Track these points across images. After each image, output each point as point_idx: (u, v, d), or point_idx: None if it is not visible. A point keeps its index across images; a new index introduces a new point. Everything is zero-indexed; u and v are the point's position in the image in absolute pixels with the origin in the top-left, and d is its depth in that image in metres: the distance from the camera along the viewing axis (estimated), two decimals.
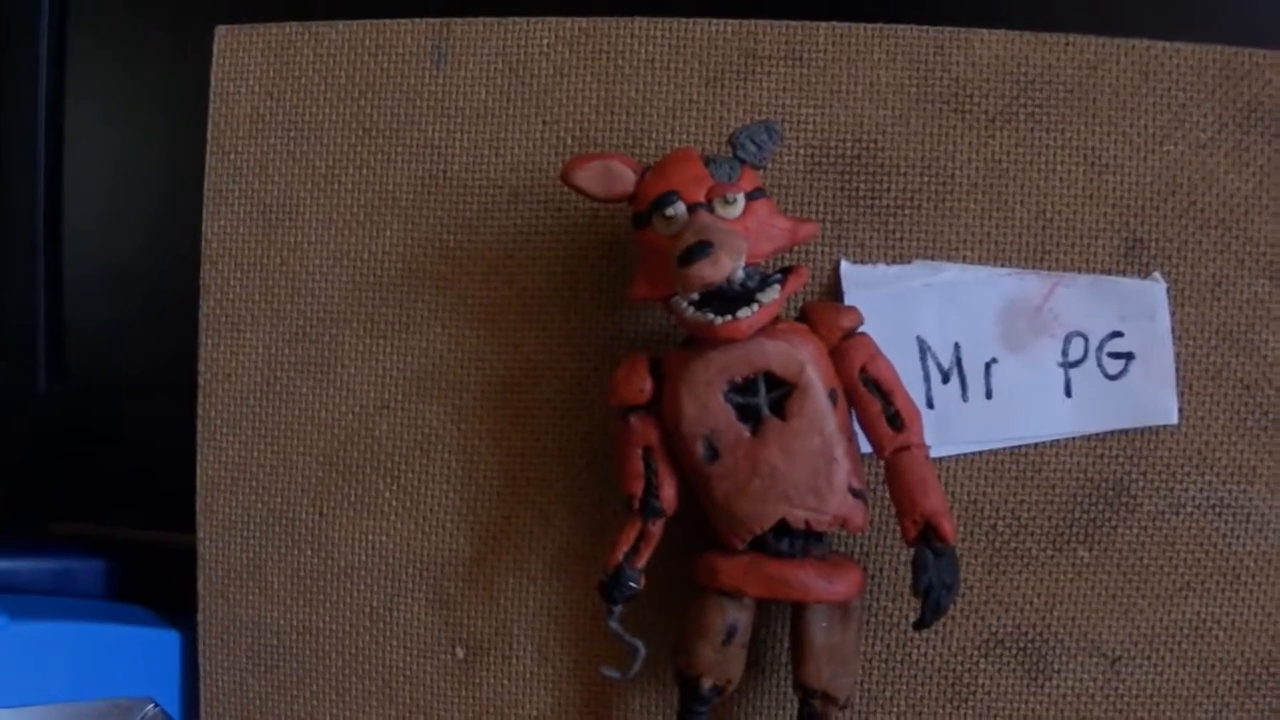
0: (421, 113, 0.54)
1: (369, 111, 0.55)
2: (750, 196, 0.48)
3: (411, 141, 0.54)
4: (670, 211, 0.47)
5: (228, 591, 0.56)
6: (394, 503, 0.55)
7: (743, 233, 0.47)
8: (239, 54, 0.55)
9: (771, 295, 0.47)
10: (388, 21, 0.55)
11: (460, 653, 0.55)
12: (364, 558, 0.55)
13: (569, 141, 0.54)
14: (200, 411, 0.55)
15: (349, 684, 0.55)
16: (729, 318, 0.47)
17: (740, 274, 0.47)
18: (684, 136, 0.53)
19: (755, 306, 0.47)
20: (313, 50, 0.55)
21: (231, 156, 0.55)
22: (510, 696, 0.55)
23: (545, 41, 0.54)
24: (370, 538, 0.55)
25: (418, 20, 0.54)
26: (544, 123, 0.54)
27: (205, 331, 0.55)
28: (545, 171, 0.53)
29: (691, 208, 0.47)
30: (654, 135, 0.53)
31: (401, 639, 0.55)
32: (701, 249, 0.45)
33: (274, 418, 0.55)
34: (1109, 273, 0.53)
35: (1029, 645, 0.54)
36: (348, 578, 0.55)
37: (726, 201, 0.47)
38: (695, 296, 0.47)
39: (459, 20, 0.54)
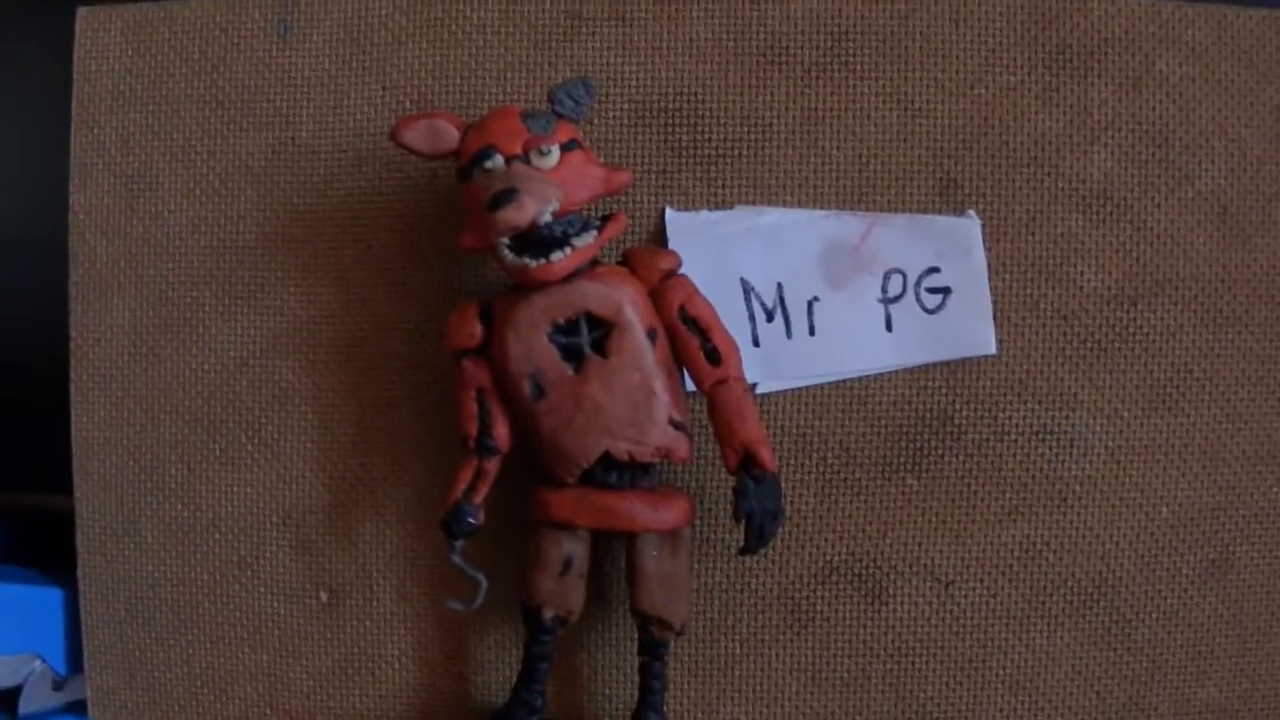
0: (270, 84, 0.57)
1: (221, 84, 0.57)
2: (565, 148, 0.50)
3: (261, 111, 0.57)
4: (489, 164, 0.50)
5: (105, 548, 0.58)
6: (256, 455, 0.57)
7: (558, 182, 0.49)
8: (100, 34, 0.58)
9: (586, 240, 0.50)
10: None
11: (324, 596, 0.57)
12: (230, 509, 0.58)
13: (408, 105, 0.56)
14: (73, 375, 0.58)
15: (222, 631, 0.58)
16: (543, 261, 0.49)
17: (548, 218, 0.49)
18: (515, 96, 0.56)
19: (568, 250, 0.49)
20: (168, 28, 0.58)
21: (95, 131, 0.58)
22: (373, 636, 0.57)
23: (384, 11, 0.57)
24: (235, 489, 0.58)
25: None
26: (384, 89, 0.56)
27: (75, 299, 0.58)
28: (386, 135, 0.55)
29: (509, 160, 0.50)
30: (486, 96, 0.56)
31: (269, 586, 0.58)
32: (507, 195, 0.48)
33: (141, 378, 0.58)
34: (925, 212, 0.55)
35: (864, 571, 0.56)
36: (216, 529, 0.58)
37: (541, 153, 0.50)
38: (510, 242, 0.49)
39: None
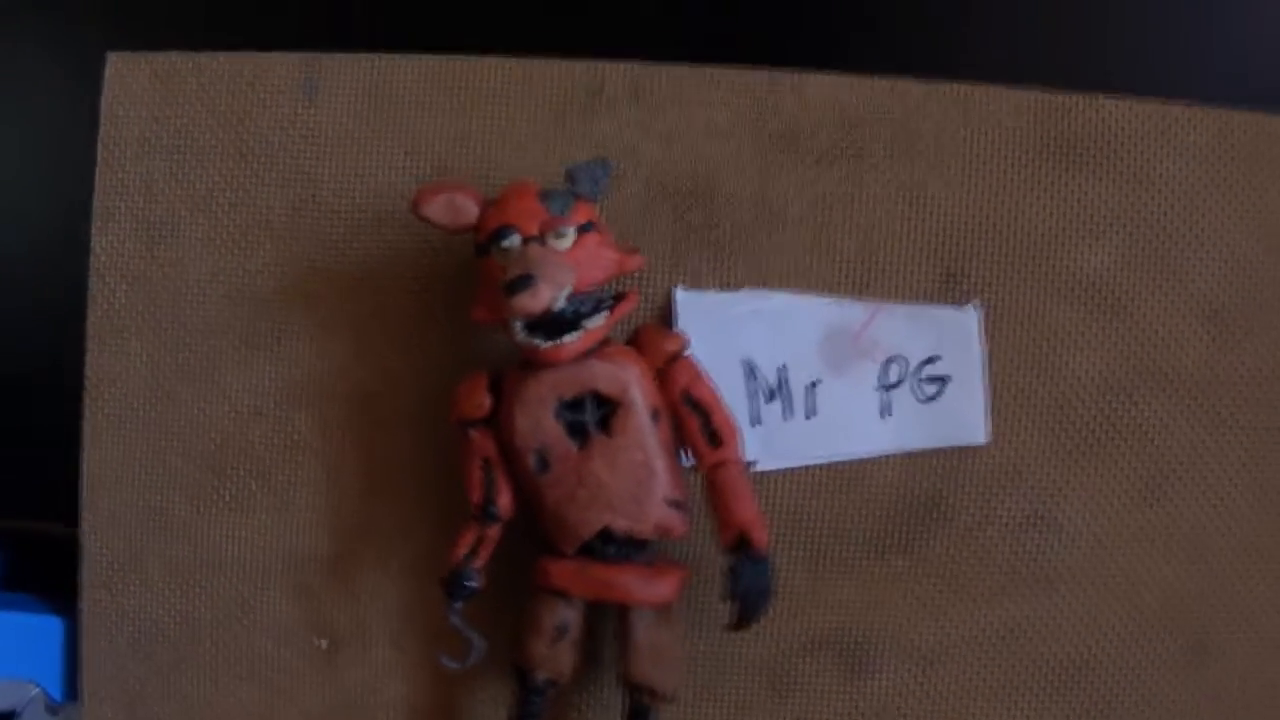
0: (294, 141, 0.58)
1: (246, 138, 0.58)
2: (581, 230, 0.51)
3: (284, 167, 0.58)
4: (506, 244, 0.51)
5: (109, 582, 0.59)
6: (264, 502, 0.59)
7: (572, 264, 0.51)
8: (128, 80, 0.59)
9: (597, 322, 0.51)
10: (264, 54, 0.58)
11: (323, 643, 0.59)
12: (236, 552, 0.59)
13: (427, 170, 0.57)
14: (86, 413, 0.59)
15: (221, 670, 0.59)
16: (555, 342, 0.51)
17: (562, 302, 0.50)
18: (532, 168, 0.57)
19: (580, 332, 0.51)
20: (196, 79, 0.59)
21: (119, 175, 0.59)
22: (368, 684, 0.59)
23: (407, 77, 0.58)
24: (242, 534, 0.59)
25: (291, 54, 0.58)
26: (405, 153, 0.58)
27: (92, 339, 0.59)
28: (406, 198, 0.56)
29: (526, 240, 0.51)
30: (505, 167, 0.57)
31: (269, 629, 0.59)
32: (523, 281, 0.49)
33: (155, 421, 0.59)
34: (928, 302, 0.56)
35: (848, 646, 0.57)
36: (220, 570, 0.59)
37: (558, 235, 0.51)
38: (523, 322, 0.51)
39: (328, 55, 0.58)
